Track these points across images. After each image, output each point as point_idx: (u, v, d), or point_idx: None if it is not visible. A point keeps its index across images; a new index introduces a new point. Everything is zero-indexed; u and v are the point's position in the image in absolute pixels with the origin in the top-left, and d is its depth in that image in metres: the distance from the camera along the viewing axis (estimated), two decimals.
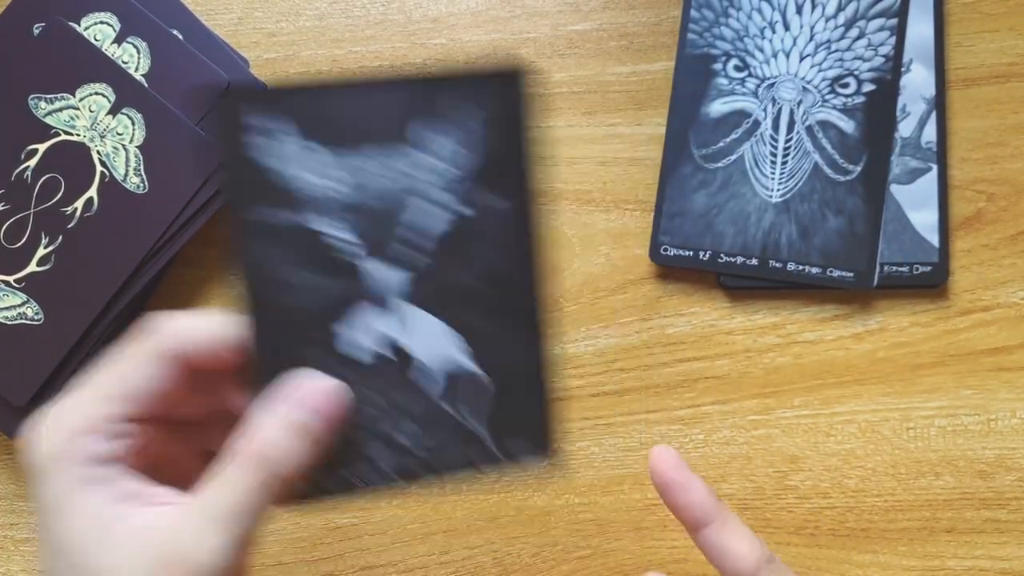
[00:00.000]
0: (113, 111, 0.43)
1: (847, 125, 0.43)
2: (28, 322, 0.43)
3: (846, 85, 0.42)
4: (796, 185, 0.42)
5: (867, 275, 0.42)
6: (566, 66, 0.47)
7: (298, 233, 0.28)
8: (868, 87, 0.43)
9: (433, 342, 0.29)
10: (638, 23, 0.46)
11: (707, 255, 0.42)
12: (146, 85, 0.43)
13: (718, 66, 0.43)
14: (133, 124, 0.43)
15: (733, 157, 0.43)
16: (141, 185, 0.43)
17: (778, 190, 0.42)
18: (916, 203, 0.44)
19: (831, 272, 0.42)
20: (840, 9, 0.43)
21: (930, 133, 0.44)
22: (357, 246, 0.29)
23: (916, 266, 0.44)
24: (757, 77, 0.43)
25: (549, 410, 0.30)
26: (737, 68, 0.43)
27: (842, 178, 0.42)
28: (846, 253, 0.42)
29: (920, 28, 0.44)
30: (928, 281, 0.44)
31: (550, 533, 0.45)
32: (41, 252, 0.43)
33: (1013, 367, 0.45)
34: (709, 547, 0.32)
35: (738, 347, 0.45)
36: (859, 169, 0.42)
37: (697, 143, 0.43)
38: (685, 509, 0.32)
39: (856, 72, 0.43)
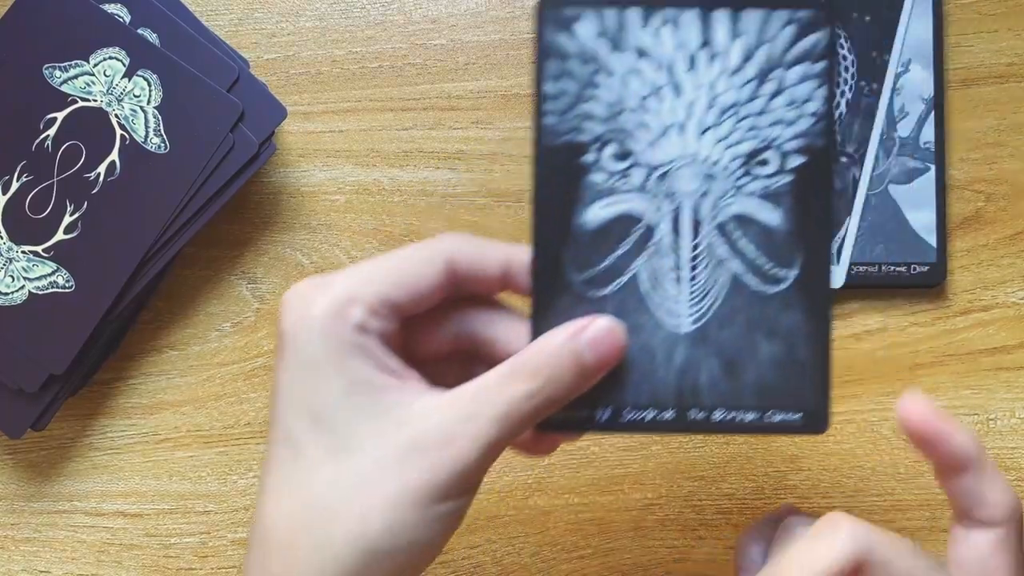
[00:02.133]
0: (128, 74, 0.43)
1: (771, 216, 0.31)
2: (60, 290, 0.43)
3: (764, 162, 0.31)
4: (712, 306, 0.31)
5: (818, 415, 0.31)
6: None
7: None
8: (795, 160, 0.31)
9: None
10: None
11: (606, 414, 0.31)
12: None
13: (590, 157, 0.31)
14: (149, 85, 0.43)
15: (624, 279, 0.31)
16: (162, 145, 0.43)
17: (689, 315, 0.31)
18: (914, 203, 0.44)
19: (771, 416, 0.31)
20: (746, 58, 0.31)
21: (928, 133, 0.44)
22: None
23: (914, 266, 0.44)
24: (644, 166, 0.31)
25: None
26: (616, 157, 0.31)
27: (772, 289, 0.31)
28: (788, 388, 0.31)
29: (919, 28, 0.45)
30: (926, 281, 0.44)
31: (550, 533, 0.45)
32: (67, 220, 0.43)
33: (1012, 367, 0.45)
34: (963, 494, 0.30)
35: None
36: (794, 274, 0.31)
37: (574, 265, 0.31)
38: (944, 458, 0.30)
39: (776, 143, 0.31)
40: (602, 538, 0.45)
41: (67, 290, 0.43)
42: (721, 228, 0.31)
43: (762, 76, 0.31)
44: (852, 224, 0.42)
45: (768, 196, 0.31)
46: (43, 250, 0.43)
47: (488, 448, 0.28)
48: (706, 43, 0.30)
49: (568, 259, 0.31)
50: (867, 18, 0.40)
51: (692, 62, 0.31)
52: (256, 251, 0.47)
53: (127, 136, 0.43)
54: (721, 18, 0.30)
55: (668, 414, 0.31)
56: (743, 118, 0.31)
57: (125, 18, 0.44)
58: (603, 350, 0.29)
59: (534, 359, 0.29)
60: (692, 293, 0.31)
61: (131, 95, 0.43)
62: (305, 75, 0.47)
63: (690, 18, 0.30)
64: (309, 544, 0.27)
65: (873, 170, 0.43)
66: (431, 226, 0.46)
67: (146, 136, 0.43)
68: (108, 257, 0.43)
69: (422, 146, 0.46)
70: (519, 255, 0.31)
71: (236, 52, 0.45)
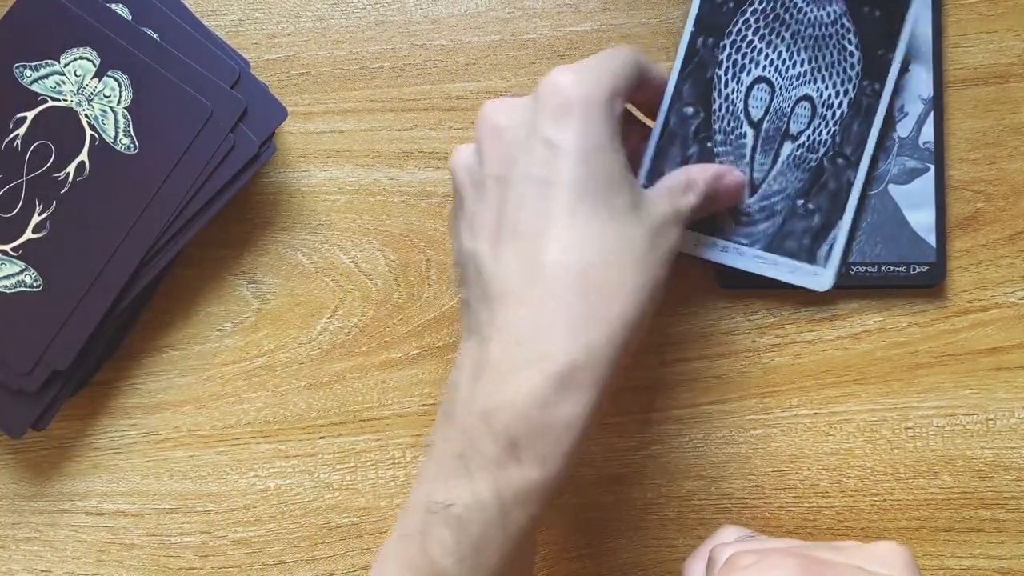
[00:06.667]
0: (99, 74, 0.43)
1: None
2: (27, 289, 0.43)
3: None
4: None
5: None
6: None
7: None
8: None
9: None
10: (638, 24, 0.46)
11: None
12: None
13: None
14: (120, 86, 0.43)
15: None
16: (132, 146, 0.43)
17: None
18: (914, 203, 0.44)
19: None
20: None
21: (928, 133, 0.44)
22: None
23: (914, 266, 0.44)
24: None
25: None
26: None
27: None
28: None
29: (918, 28, 0.45)
30: (926, 281, 0.44)
31: (550, 533, 0.45)
32: (36, 219, 0.43)
33: (1011, 367, 0.45)
34: None
35: (737, 347, 0.45)
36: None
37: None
38: None
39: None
40: (602, 538, 0.45)
41: (35, 290, 0.43)
42: None
43: None
44: (843, 227, 0.42)
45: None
46: (11, 249, 0.43)
47: (681, 240, 0.37)
48: None
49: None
50: (877, 13, 0.40)
51: None
52: (256, 251, 0.47)
53: (97, 136, 0.43)
54: None
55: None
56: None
57: (127, 17, 0.44)
58: (731, 195, 0.40)
59: (699, 180, 0.38)
60: None
61: (101, 95, 0.43)
62: (305, 75, 0.47)
63: None
64: (617, 282, 0.33)
65: (870, 171, 0.43)
66: (431, 226, 0.46)
67: (116, 136, 0.43)
68: (77, 257, 0.43)
69: (422, 146, 0.46)
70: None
71: (237, 52, 0.45)
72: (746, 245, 0.42)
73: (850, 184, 0.42)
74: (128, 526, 0.46)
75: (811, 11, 0.41)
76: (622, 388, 0.45)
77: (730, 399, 0.45)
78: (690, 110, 0.40)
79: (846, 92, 0.41)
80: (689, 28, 0.40)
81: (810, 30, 0.41)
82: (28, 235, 0.43)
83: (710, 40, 0.40)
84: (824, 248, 0.42)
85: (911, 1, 0.41)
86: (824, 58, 0.41)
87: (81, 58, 0.43)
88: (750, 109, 0.41)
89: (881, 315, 0.45)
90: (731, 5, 0.41)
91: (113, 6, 0.44)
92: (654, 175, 0.40)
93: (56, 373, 0.43)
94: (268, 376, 0.46)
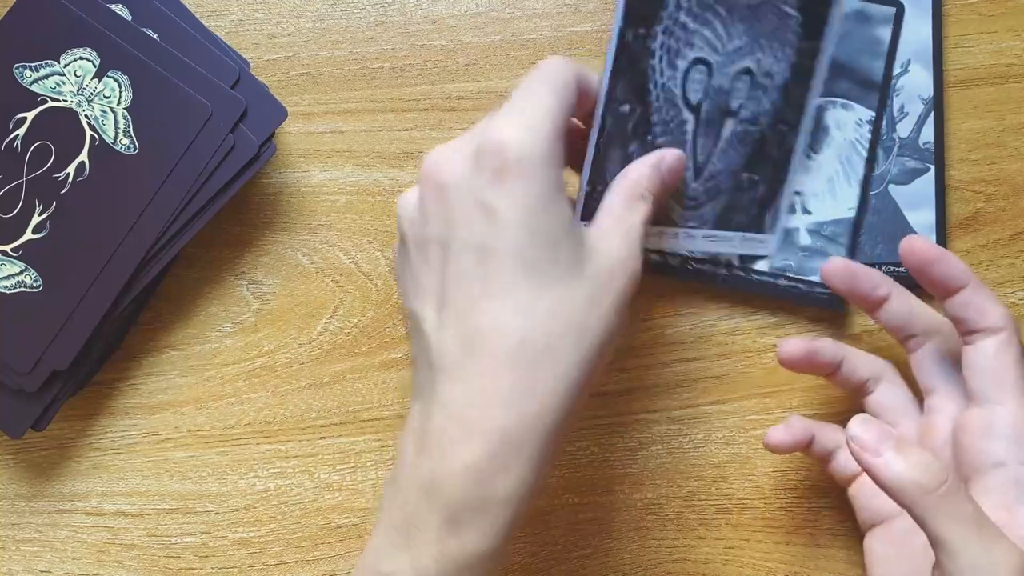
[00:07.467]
0: (99, 75, 0.43)
1: None
2: (27, 290, 0.43)
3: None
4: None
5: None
6: None
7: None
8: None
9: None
10: None
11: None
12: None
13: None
14: (120, 86, 0.43)
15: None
16: (132, 146, 0.43)
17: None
18: (914, 203, 0.44)
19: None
20: None
21: (928, 134, 0.44)
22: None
23: None
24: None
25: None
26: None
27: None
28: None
29: (918, 29, 0.45)
30: None
31: (550, 533, 0.45)
32: (36, 220, 0.43)
33: None
34: (965, 307, 0.37)
35: (737, 347, 0.45)
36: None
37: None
38: (946, 278, 0.37)
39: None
40: (602, 538, 0.45)
41: (34, 290, 0.43)
42: None
43: None
44: (785, 191, 0.42)
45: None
46: (11, 250, 0.43)
47: (640, 259, 0.35)
48: None
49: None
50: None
51: None
52: (256, 251, 0.47)
53: (97, 137, 0.43)
54: None
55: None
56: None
57: (127, 17, 0.44)
58: (678, 174, 0.38)
59: (640, 184, 0.36)
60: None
61: (101, 96, 0.43)
62: (306, 76, 0.47)
63: None
64: (554, 351, 0.32)
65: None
66: None
67: (116, 137, 0.43)
68: (76, 257, 0.43)
69: (422, 147, 0.46)
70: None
71: (237, 53, 0.45)
72: (695, 227, 0.41)
73: (791, 149, 0.41)
74: (128, 526, 0.46)
75: None
76: (622, 389, 0.45)
77: (730, 399, 0.45)
78: (626, 108, 0.38)
79: (787, 57, 0.40)
80: (618, 23, 0.37)
81: (745, 0, 0.39)
82: (28, 235, 0.43)
83: (641, 31, 0.37)
84: (769, 215, 0.42)
85: None
86: (762, 27, 0.39)
87: (81, 58, 0.43)
88: (688, 94, 0.39)
89: None
90: None
91: (113, 6, 0.44)
92: (596, 181, 0.38)
93: (56, 373, 0.43)
94: (268, 376, 0.46)
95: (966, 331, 0.38)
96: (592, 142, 0.37)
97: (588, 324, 0.33)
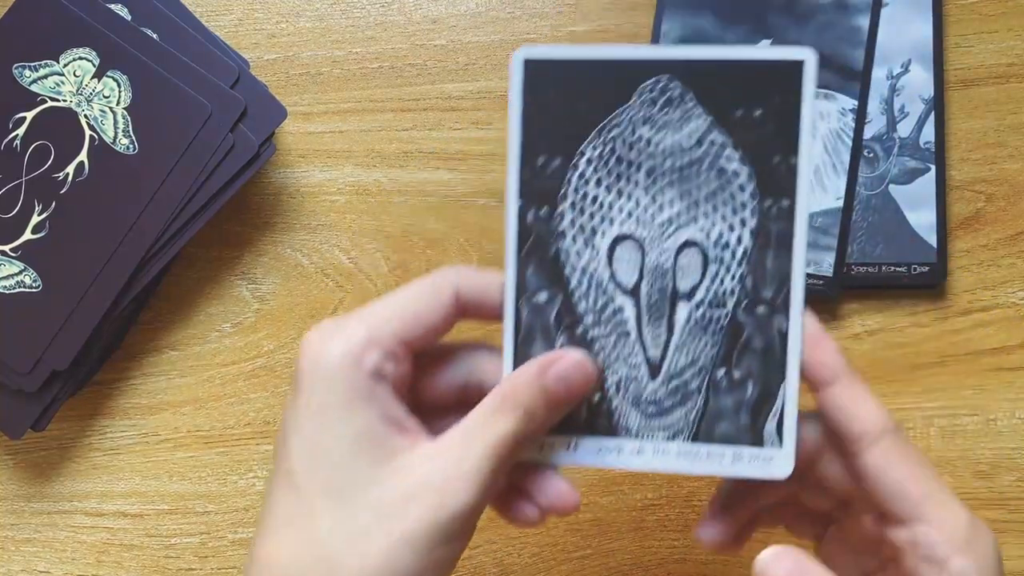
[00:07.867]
0: (98, 75, 0.43)
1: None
2: (27, 290, 0.43)
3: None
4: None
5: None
6: None
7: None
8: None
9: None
10: (638, 24, 0.46)
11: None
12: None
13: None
14: (119, 86, 0.43)
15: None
16: (131, 146, 0.43)
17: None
18: (914, 203, 0.44)
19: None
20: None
21: (928, 133, 0.44)
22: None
23: (914, 266, 0.44)
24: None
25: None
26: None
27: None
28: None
29: (919, 29, 0.45)
30: (927, 281, 0.44)
31: (550, 533, 0.45)
32: (35, 219, 0.43)
33: (1012, 367, 0.45)
34: (835, 407, 0.31)
35: None
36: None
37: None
38: (814, 367, 0.31)
39: None
40: (602, 538, 0.45)
41: (34, 290, 0.43)
42: None
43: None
44: (790, 391, 0.32)
45: None
46: (11, 249, 0.43)
47: (482, 489, 0.29)
48: None
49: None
50: (756, 112, 0.31)
51: None
52: (256, 251, 0.47)
53: (96, 137, 0.43)
54: None
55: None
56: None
57: (127, 17, 0.44)
58: (573, 382, 0.31)
59: (511, 394, 0.30)
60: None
61: (100, 96, 0.43)
62: (305, 75, 0.47)
63: None
64: None
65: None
66: (431, 226, 0.46)
67: (115, 137, 0.43)
68: (76, 257, 0.43)
69: (422, 146, 0.46)
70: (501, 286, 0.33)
71: (236, 52, 0.45)
72: (667, 440, 0.33)
73: (784, 335, 0.32)
74: (127, 527, 0.46)
75: (663, 139, 0.32)
76: None
77: None
78: (544, 296, 0.32)
79: (743, 223, 0.33)
80: (513, 204, 0.32)
81: (670, 161, 0.32)
82: (27, 235, 0.43)
83: (543, 211, 0.32)
84: (771, 423, 0.32)
85: (803, 81, 0.31)
86: (699, 189, 0.32)
87: (81, 58, 0.43)
88: (618, 276, 0.33)
89: (881, 315, 0.45)
90: (557, 164, 0.32)
91: (113, 6, 0.44)
92: None
93: (56, 373, 0.43)
94: (268, 376, 0.46)
95: (838, 427, 0.31)
96: (507, 337, 0.32)
97: (344, 561, 0.28)
